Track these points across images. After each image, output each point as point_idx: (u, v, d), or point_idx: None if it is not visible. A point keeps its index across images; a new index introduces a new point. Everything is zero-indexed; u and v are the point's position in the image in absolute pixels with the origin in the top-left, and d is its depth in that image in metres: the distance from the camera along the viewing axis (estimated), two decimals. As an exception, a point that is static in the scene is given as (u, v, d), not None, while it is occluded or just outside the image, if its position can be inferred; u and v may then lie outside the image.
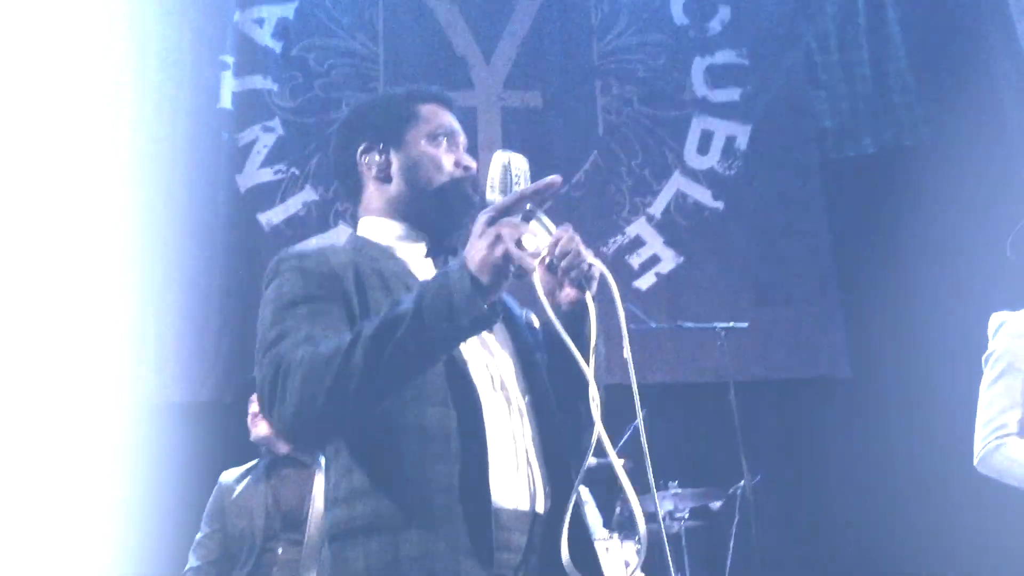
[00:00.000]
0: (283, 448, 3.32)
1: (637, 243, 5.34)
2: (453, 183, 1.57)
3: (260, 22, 5.47)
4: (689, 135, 5.59)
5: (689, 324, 4.25)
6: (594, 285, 1.46)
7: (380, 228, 1.58)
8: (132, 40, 5.07)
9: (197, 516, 3.41)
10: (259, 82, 5.39)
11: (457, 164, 1.60)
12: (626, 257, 5.28)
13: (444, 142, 1.61)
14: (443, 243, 1.57)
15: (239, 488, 3.32)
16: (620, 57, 5.70)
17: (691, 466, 4.51)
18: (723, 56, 5.71)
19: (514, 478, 1.39)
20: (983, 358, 2.59)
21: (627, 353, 1.41)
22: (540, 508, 1.39)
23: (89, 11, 4.93)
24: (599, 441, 1.39)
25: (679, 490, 4.05)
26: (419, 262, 1.54)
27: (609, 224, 5.36)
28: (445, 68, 5.50)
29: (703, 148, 5.58)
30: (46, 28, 4.65)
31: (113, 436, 4.29)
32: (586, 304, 1.44)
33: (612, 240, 5.32)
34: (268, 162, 5.27)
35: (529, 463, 1.41)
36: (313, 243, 1.53)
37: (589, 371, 1.40)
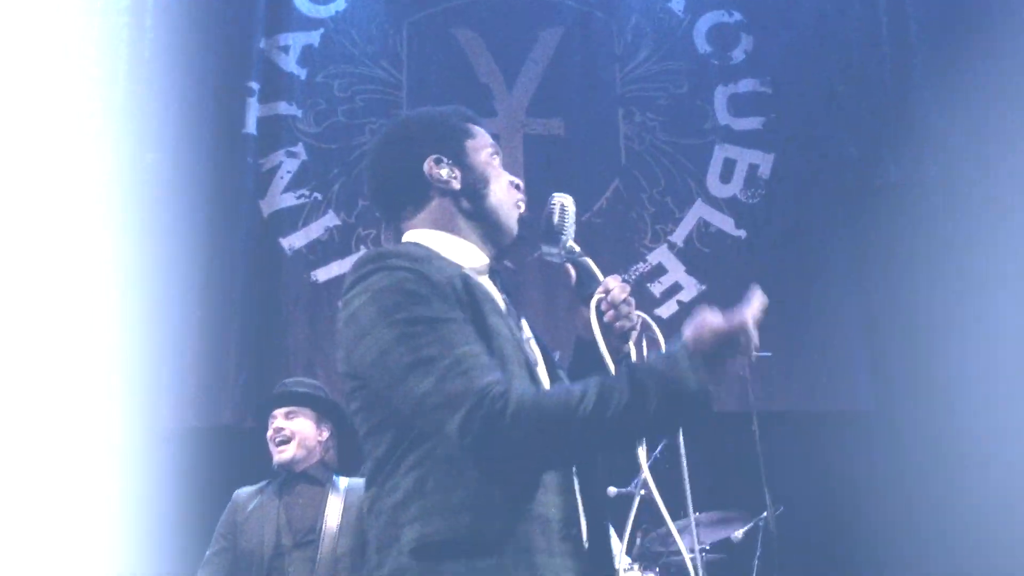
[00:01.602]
0: (300, 466, 3.32)
1: (659, 271, 5.32)
2: (511, 211, 1.65)
3: (286, 49, 5.53)
4: (711, 163, 5.58)
5: (711, 353, 4.20)
6: (634, 335, 1.56)
7: (445, 242, 1.57)
8: (157, 63, 5.14)
9: (218, 540, 3.42)
10: (284, 108, 5.44)
11: (511, 184, 1.67)
12: (647, 285, 5.26)
13: (497, 159, 1.68)
14: (498, 262, 1.62)
15: (252, 504, 3.31)
16: (642, 85, 5.71)
17: (713, 496, 4.46)
18: (746, 84, 5.71)
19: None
20: None
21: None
22: (585, 541, 1.41)
23: (115, 33, 4.99)
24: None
25: (701, 517, 4.01)
26: (483, 280, 1.56)
27: (630, 251, 5.34)
28: (468, 95, 5.52)
29: (726, 176, 5.57)
30: (69, 49, 4.72)
31: (131, 461, 4.29)
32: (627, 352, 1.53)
33: (633, 268, 5.31)
34: (291, 187, 5.31)
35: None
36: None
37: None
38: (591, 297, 1.53)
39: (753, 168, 5.57)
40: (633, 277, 5.27)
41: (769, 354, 4.29)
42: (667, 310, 5.21)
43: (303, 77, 5.50)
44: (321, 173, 5.34)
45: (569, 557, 1.34)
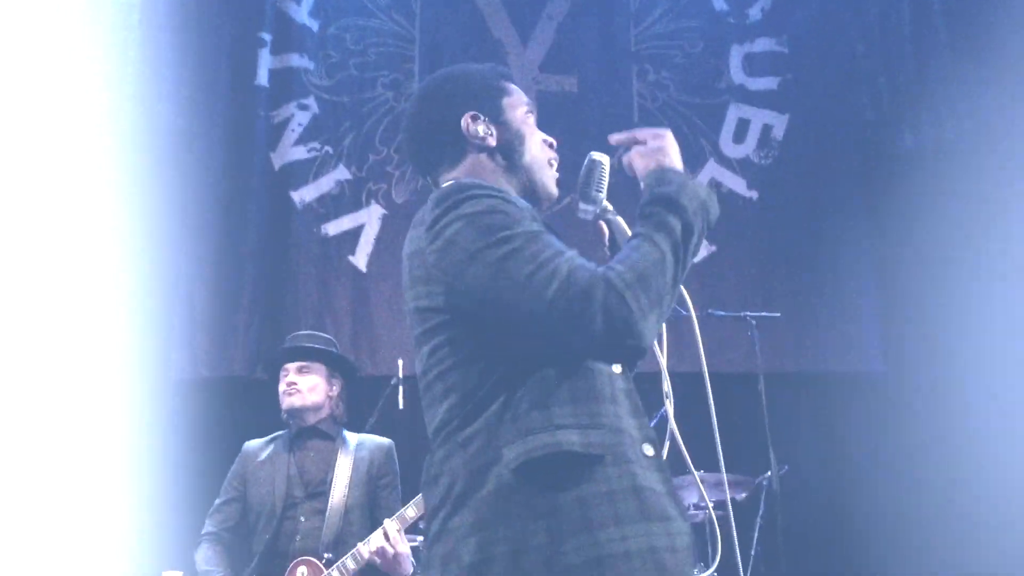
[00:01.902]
0: (311, 420, 3.36)
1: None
2: (547, 169, 1.70)
3: (299, 0, 5.48)
4: (725, 123, 5.53)
5: (720, 312, 4.21)
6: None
7: None
8: (171, 15, 5.10)
9: (227, 490, 3.47)
10: (296, 60, 5.40)
11: (545, 142, 1.71)
12: (658, 245, 5.23)
13: (532, 118, 1.71)
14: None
15: (263, 455, 3.37)
16: (657, 43, 5.65)
17: (716, 455, 4.48)
18: (762, 44, 5.64)
19: None
20: None
21: (701, 355, 1.72)
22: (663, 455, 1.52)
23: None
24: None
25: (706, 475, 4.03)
26: None
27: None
28: (481, 51, 5.47)
29: (739, 136, 5.53)
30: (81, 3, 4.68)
31: (143, 410, 4.33)
32: None
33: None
34: (302, 140, 5.29)
35: None
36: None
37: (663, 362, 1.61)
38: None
39: (767, 129, 5.52)
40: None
41: (778, 314, 4.31)
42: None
43: (315, 29, 5.45)
44: (332, 127, 5.31)
45: (654, 471, 1.42)
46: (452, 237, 1.42)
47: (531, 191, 1.66)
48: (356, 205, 5.20)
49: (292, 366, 3.39)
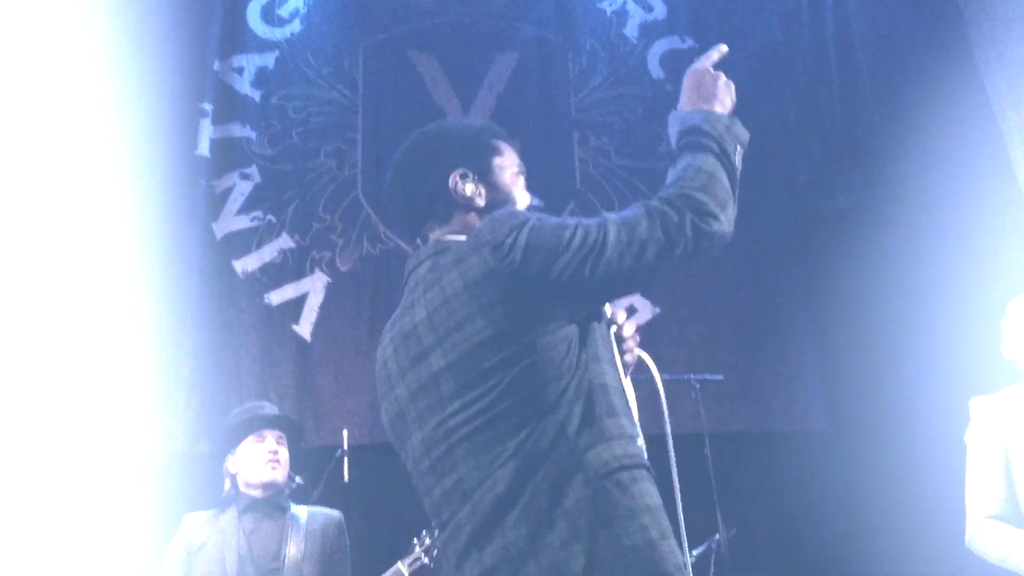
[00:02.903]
0: (268, 492, 3.27)
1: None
2: None
3: (240, 71, 5.50)
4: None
5: (665, 376, 4.22)
6: (629, 370, 1.72)
7: None
8: (111, 83, 5.07)
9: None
10: (237, 130, 5.40)
11: (532, 206, 1.70)
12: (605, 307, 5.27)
13: (521, 179, 1.70)
14: None
15: (208, 531, 3.23)
16: (597, 110, 5.77)
17: (678, 520, 4.46)
18: (699, 110, 5.77)
19: None
20: (965, 439, 2.65)
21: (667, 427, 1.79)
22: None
23: (68, 50, 4.92)
24: None
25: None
26: None
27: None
28: (424, 118, 5.42)
29: (679, 200, 5.61)
30: (24, 63, 4.65)
31: (88, 490, 4.21)
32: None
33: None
34: (244, 209, 5.26)
35: None
36: None
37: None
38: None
39: (707, 192, 5.62)
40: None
41: (721, 377, 4.35)
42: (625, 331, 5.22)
43: (257, 99, 5.46)
44: (275, 195, 5.30)
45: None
46: (526, 248, 1.41)
47: None
48: (300, 274, 5.17)
49: (273, 436, 3.31)
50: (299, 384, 4.94)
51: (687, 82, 1.65)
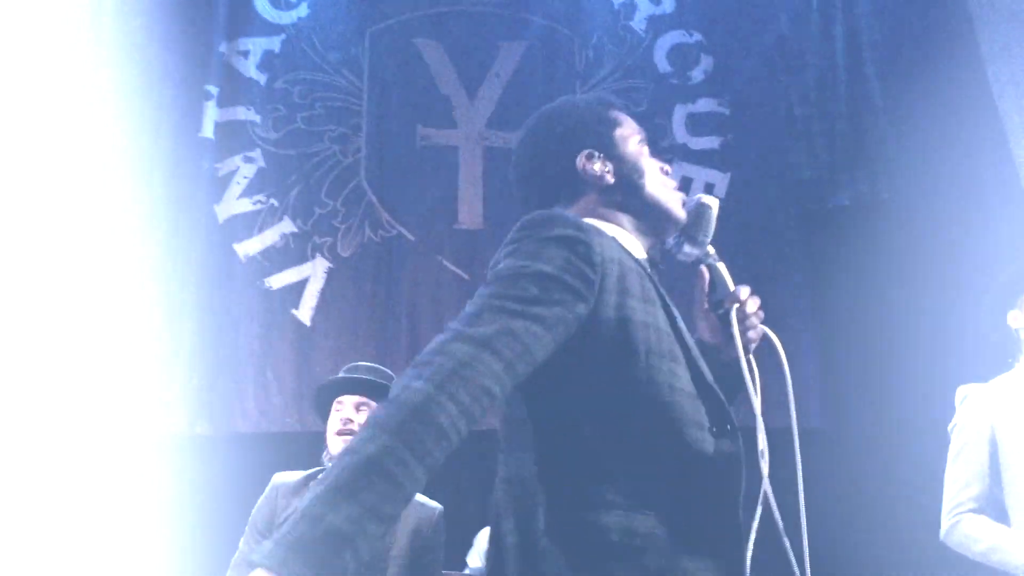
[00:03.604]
0: None
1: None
2: (672, 196, 1.60)
3: (245, 54, 5.48)
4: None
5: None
6: (753, 347, 1.58)
7: (605, 231, 1.50)
8: (117, 66, 5.07)
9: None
10: (242, 113, 5.39)
11: (663, 171, 1.62)
12: (603, 300, 5.28)
13: (646, 147, 1.62)
14: (657, 249, 1.58)
15: (298, 500, 2.84)
16: (603, 102, 5.75)
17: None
18: (704, 104, 5.78)
19: None
20: (949, 429, 2.62)
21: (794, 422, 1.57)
22: None
23: (75, 33, 4.92)
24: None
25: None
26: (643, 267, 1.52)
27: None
28: (429, 106, 5.53)
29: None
30: (27, 45, 4.64)
31: (91, 470, 4.22)
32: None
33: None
34: (247, 193, 5.26)
35: None
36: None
37: (759, 418, 1.49)
38: (720, 303, 1.53)
39: (709, 187, 5.62)
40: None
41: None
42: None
43: (263, 82, 5.46)
44: (278, 180, 5.29)
45: (703, 559, 1.37)
46: (497, 264, 1.36)
47: (657, 221, 1.58)
48: (301, 258, 5.17)
49: (351, 400, 2.98)
50: (298, 369, 4.94)
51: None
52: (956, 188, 5.07)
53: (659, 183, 1.59)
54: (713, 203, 1.59)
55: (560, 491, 1.27)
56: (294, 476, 2.97)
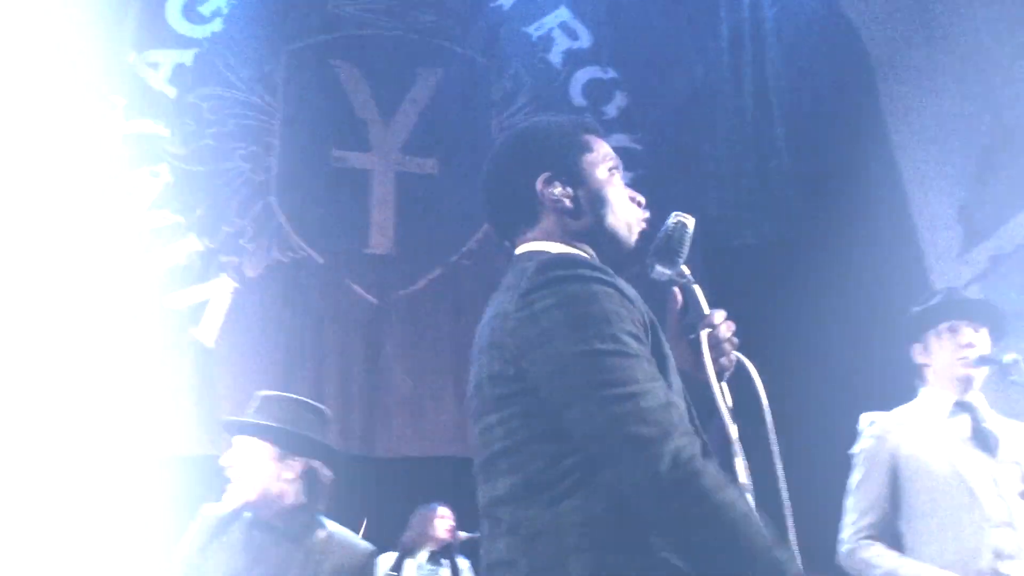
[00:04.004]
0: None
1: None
2: (635, 223, 1.57)
3: (155, 66, 5.36)
4: (581, 213, 5.69)
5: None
6: (727, 375, 1.52)
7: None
8: (26, 72, 4.89)
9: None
10: (150, 126, 5.25)
11: (631, 199, 1.58)
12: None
13: (616, 175, 1.58)
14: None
15: (216, 543, 2.50)
16: (518, 132, 5.80)
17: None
18: (617, 140, 5.87)
19: None
20: (850, 453, 2.68)
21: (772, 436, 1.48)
22: None
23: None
24: None
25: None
26: None
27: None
28: (344, 128, 5.49)
29: (593, 227, 5.68)
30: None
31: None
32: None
33: (499, 311, 5.33)
34: (153, 207, 5.12)
35: None
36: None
37: (735, 436, 1.43)
38: (692, 326, 1.49)
39: (619, 221, 5.71)
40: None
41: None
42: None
43: (173, 96, 5.34)
44: (185, 196, 5.17)
45: None
46: (538, 312, 1.30)
47: (613, 252, 1.54)
48: (206, 276, 5.04)
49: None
50: (199, 391, 4.80)
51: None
52: (855, 229, 5.25)
53: (622, 214, 1.55)
54: (689, 221, 1.54)
55: (597, 536, 1.24)
56: (217, 514, 2.61)
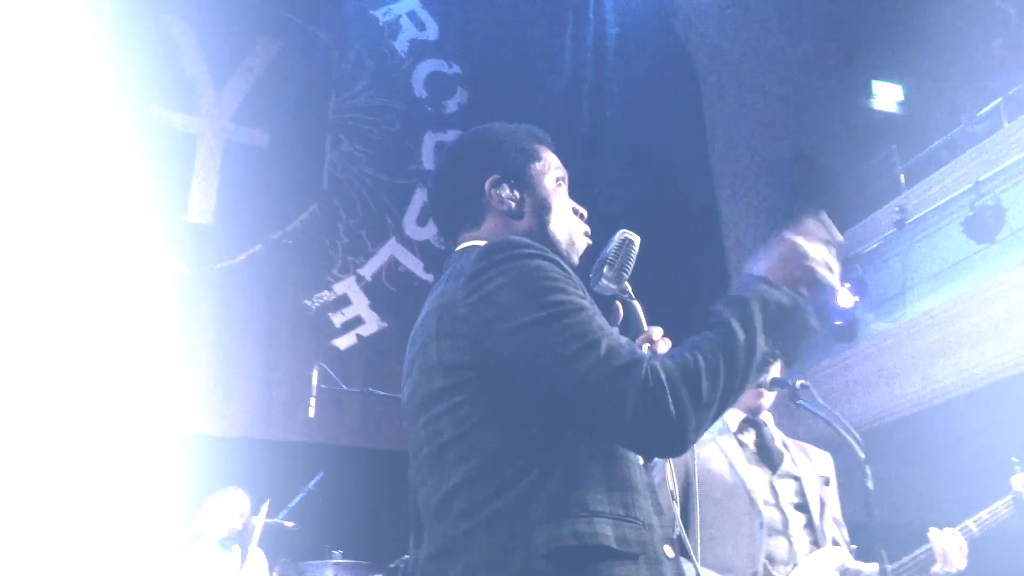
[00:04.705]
0: None
1: (343, 302, 5.28)
2: (577, 240, 1.58)
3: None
4: (411, 205, 5.66)
5: (379, 392, 4.20)
6: None
7: None
8: None
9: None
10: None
11: (575, 212, 1.60)
12: (329, 314, 5.19)
13: (563, 186, 1.60)
14: None
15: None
16: (356, 116, 5.70)
17: (360, 536, 4.42)
18: (454, 136, 5.87)
19: None
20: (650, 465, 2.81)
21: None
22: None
23: None
24: None
25: (341, 561, 3.95)
26: None
27: (317, 278, 5.26)
28: (172, 87, 5.22)
29: (423, 220, 5.67)
30: None
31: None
32: None
33: (318, 295, 5.22)
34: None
35: None
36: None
37: None
38: (630, 341, 1.45)
39: (449, 216, 5.71)
40: (316, 305, 5.18)
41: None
42: (345, 342, 5.17)
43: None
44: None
45: (674, 574, 1.35)
46: (491, 293, 1.32)
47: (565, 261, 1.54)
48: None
49: None
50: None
51: (781, 249, 1.40)
52: (667, 248, 5.46)
53: (565, 225, 1.58)
54: (636, 239, 1.57)
55: (556, 508, 1.27)
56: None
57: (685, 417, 1.25)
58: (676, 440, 1.27)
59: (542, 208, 1.57)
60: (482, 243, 1.48)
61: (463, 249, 1.52)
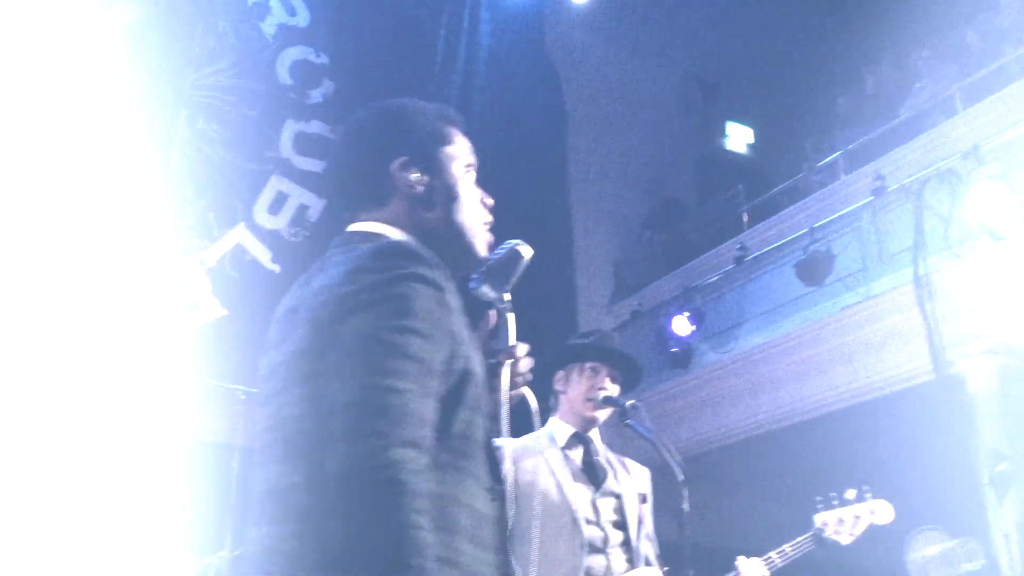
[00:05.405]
0: None
1: (182, 286, 5.08)
2: (481, 231, 1.51)
3: None
4: (263, 192, 5.52)
5: (212, 381, 4.07)
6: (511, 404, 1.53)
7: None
8: None
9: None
10: None
11: (482, 202, 1.53)
12: (167, 297, 4.99)
13: (471, 174, 1.53)
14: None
15: None
16: (215, 95, 5.51)
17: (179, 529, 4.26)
18: (316, 127, 5.77)
19: None
20: None
21: None
22: None
23: None
24: None
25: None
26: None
27: (157, 260, 5.04)
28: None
29: (275, 209, 5.53)
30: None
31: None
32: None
33: (155, 277, 5.00)
34: None
35: None
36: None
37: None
38: (495, 352, 1.49)
39: (303, 208, 5.60)
40: (155, 288, 4.96)
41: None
42: (181, 327, 4.97)
43: None
44: None
45: None
46: (361, 291, 1.25)
47: (457, 251, 1.48)
48: None
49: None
50: None
51: None
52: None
53: (472, 214, 1.51)
54: (527, 253, 1.53)
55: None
56: None
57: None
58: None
59: (450, 195, 1.50)
60: (382, 229, 1.45)
61: (357, 232, 1.46)
